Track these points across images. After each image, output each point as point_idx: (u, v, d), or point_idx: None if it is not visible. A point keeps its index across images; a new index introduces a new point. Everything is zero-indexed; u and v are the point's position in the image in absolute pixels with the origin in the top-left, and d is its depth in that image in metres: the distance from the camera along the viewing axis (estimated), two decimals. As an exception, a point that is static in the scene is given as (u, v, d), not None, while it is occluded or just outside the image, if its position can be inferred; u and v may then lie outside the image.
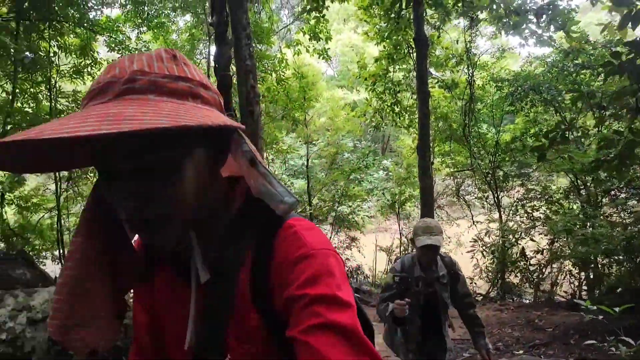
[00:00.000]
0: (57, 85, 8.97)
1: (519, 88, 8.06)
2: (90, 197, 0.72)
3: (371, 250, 11.74)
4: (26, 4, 7.45)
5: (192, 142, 0.63)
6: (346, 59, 30.65)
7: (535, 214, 8.57)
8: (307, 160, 11.41)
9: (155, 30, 11.48)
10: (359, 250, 11.34)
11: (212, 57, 11.37)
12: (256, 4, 11.32)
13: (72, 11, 8.38)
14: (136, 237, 0.78)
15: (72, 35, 9.33)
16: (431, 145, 11.53)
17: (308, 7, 8.31)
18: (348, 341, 0.57)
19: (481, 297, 8.66)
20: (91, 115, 0.51)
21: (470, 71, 9.75)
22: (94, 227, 0.70)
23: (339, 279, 0.65)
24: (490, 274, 8.84)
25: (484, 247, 8.83)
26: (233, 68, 6.99)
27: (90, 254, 0.69)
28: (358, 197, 11.74)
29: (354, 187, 11.74)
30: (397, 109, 12.23)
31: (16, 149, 0.58)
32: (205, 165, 0.66)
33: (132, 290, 0.85)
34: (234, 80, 6.96)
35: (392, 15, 9.70)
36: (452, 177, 11.49)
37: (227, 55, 6.89)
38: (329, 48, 10.71)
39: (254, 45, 8.76)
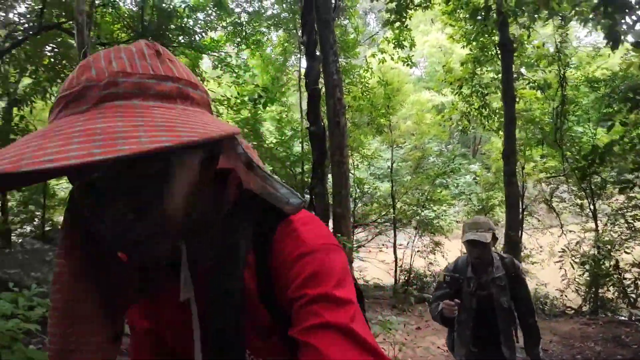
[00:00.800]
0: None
1: (616, 89, 7.59)
2: (66, 214, 0.66)
3: (456, 255, 11.61)
4: (145, 31, 8.75)
5: (184, 150, 0.59)
6: (434, 59, 30.11)
7: (637, 224, 7.96)
8: (392, 164, 11.67)
9: (252, 47, 12.53)
10: (443, 255, 11.31)
11: (302, 70, 12.15)
12: (342, 18, 11.86)
13: (183, 36, 9.61)
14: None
15: (182, 57, 10.62)
16: (521, 149, 11.17)
17: (391, 18, 8.62)
18: (348, 340, 0.57)
19: (572, 312, 8.26)
20: (74, 133, 0.44)
21: (562, 71, 9.31)
22: (75, 247, 0.64)
23: (338, 275, 0.63)
24: (581, 287, 8.39)
25: (573, 258, 8.40)
26: (321, 82, 7.56)
27: (77, 275, 0.63)
28: (444, 202, 11.72)
29: (440, 191, 11.74)
30: (485, 112, 12.01)
31: None
32: (196, 172, 0.62)
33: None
34: (322, 93, 7.53)
35: (478, 18, 9.62)
36: (544, 183, 11.00)
37: (316, 71, 7.52)
38: (413, 55, 10.89)
39: (340, 59, 9.31)
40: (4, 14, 8.19)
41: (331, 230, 5.51)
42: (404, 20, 8.67)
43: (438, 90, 21.47)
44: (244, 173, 0.71)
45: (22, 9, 8.26)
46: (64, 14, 8.15)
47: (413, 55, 10.93)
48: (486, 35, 9.86)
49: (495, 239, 2.76)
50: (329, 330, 0.57)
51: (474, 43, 10.48)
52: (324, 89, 7.45)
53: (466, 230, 2.73)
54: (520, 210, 8.88)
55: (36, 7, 8.01)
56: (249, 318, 0.66)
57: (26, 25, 7.99)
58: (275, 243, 0.67)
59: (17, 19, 8.20)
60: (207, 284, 0.67)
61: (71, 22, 7.46)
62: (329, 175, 8.03)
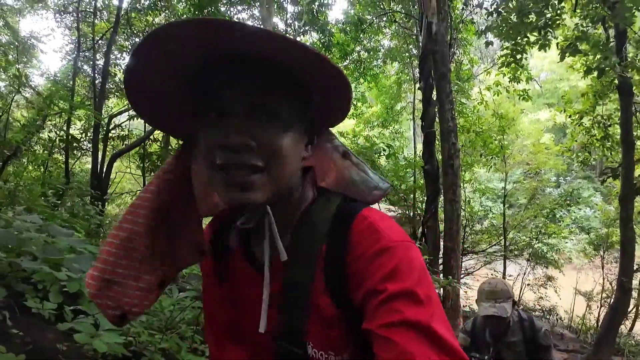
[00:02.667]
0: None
1: None
2: (175, 156, 0.74)
3: (570, 291, 11.34)
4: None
5: (295, 113, 0.67)
6: (554, 76, 28.45)
7: None
8: (505, 197, 11.81)
9: (370, 80, 13.62)
10: (555, 290, 11.12)
11: (416, 100, 12.88)
12: (457, 52, 12.33)
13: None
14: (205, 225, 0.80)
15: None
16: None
17: (507, 60, 8.99)
18: (427, 338, 0.57)
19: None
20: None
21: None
22: (169, 186, 0.72)
23: (418, 272, 0.64)
24: None
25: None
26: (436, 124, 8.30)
27: (155, 213, 0.70)
28: (559, 235, 11.52)
29: (555, 225, 11.57)
30: (608, 144, 11.54)
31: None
32: (299, 142, 0.69)
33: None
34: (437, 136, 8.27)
35: (600, 48, 9.43)
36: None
37: (432, 114, 8.36)
38: (529, 89, 10.99)
39: (455, 98, 9.92)
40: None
41: (440, 264, 6.54)
42: (519, 62, 8.98)
43: (559, 109, 20.50)
44: (340, 161, 0.79)
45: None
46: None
47: (529, 90, 11.02)
48: (608, 67, 9.64)
49: (514, 304, 2.57)
50: (410, 328, 0.57)
51: (594, 75, 10.25)
52: (438, 133, 8.18)
53: (482, 299, 2.52)
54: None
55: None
56: (312, 309, 0.68)
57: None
58: (353, 236, 0.68)
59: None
60: (280, 271, 0.71)
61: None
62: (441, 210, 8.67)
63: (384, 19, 12.56)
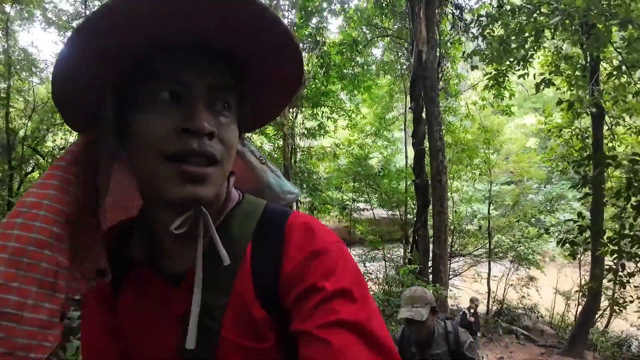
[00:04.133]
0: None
1: None
2: (82, 146, 0.64)
3: (551, 290, 12.26)
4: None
5: (238, 104, 0.64)
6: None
7: None
8: (489, 203, 12.69)
9: (363, 92, 14.40)
10: (537, 290, 12.02)
11: (407, 111, 13.68)
12: (446, 65, 13.14)
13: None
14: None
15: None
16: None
17: (490, 83, 9.82)
18: (363, 339, 0.55)
19: None
20: None
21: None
22: (75, 183, 0.60)
23: (354, 272, 0.63)
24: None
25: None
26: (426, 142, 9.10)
27: (60, 216, 0.57)
28: (539, 238, 12.42)
29: (536, 229, 12.48)
30: (585, 154, 12.47)
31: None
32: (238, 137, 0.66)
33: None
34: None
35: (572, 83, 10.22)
36: None
37: (422, 133, 9.19)
38: (513, 105, 11.85)
39: (443, 117, 10.74)
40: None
41: (429, 269, 7.52)
42: (501, 84, 9.81)
43: (542, 122, 21.48)
44: (258, 165, 0.82)
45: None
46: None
47: (513, 105, 11.89)
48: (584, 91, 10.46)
49: (434, 312, 2.64)
50: (347, 328, 0.55)
51: (572, 93, 11.13)
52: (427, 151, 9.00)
53: (402, 305, 2.60)
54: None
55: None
56: (238, 315, 0.63)
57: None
58: (288, 235, 0.65)
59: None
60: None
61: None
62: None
63: (376, 32, 13.37)
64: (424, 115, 9.00)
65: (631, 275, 6.36)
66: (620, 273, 6.49)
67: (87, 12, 11.40)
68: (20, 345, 0.51)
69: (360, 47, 11.51)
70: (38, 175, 10.17)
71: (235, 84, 0.62)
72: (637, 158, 5.57)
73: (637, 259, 5.94)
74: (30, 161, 10.68)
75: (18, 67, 11.92)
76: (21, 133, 10.27)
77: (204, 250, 0.63)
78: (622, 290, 8.02)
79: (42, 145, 10.50)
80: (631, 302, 8.12)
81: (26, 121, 10.55)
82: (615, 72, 8.10)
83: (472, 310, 6.61)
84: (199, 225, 0.62)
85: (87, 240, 0.62)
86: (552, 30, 7.57)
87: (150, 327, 0.68)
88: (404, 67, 14.46)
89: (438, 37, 9.78)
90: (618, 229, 5.98)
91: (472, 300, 7.19)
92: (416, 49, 8.64)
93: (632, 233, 5.65)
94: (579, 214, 6.80)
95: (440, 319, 2.76)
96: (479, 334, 6.85)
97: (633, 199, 5.60)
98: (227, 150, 0.60)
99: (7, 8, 12.02)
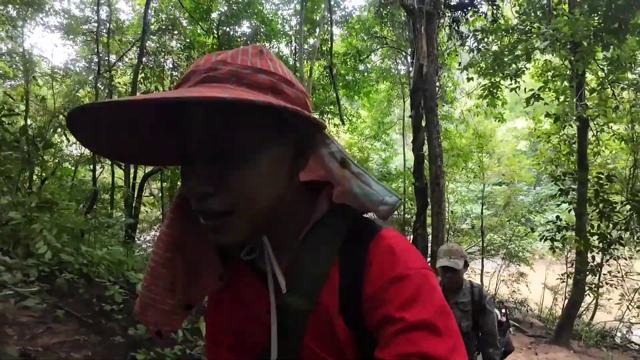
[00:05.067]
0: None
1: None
2: (178, 190, 0.74)
3: (540, 286, 13.08)
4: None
5: (270, 134, 0.61)
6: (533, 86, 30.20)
7: None
8: (482, 204, 13.49)
9: (363, 96, 15.12)
10: (527, 285, 12.82)
11: (406, 117, 14.43)
12: (443, 74, 13.90)
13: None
14: None
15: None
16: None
17: (484, 94, 10.60)
18: None
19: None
20: (164, 93, 0.55)
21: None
22: (174, 220, 0.73)
23: (440, 302, 0.60)
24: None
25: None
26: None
27: (169, 244, 0.72)
28: (529, 237, 13.25)
29: (526, 229, 13.30)
30: (572, 158, 13.30)
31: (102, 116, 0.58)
32: (282, 161, 0.63)
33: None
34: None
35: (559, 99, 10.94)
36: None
37: (422, 140, 9.90)
38: (505, 112, 12.63)
39: (440, 125, 11.45)
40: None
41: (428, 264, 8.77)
42: (495, 95, 10.58)
43: (537, 122, 22.34)
44: (338, 171, 0.70)
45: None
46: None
47: (505, 112, 12.67)
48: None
49: (466, 265, 3.02)
50: None
51: (561, 99, 11.89)
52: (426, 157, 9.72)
53: (440, 256, 2.94)
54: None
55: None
56: (322, 334, 0.64)
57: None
58: (371, 257, 0.65)
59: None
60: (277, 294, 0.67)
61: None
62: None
63: (376, 40, 14.08)
64: (423, 123, 9.70)
65: (600, 265, 8.00)
66: (591, 263, 7.87)
67: (98, 17, 11.69)
68: (158, 322, 0.74)
69: (363, 57, 12.21)
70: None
71: (257, 117, 0.60)
72: (600, 176, 7.01)
73: (604, 252, 7.41)
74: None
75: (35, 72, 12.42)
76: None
77: (286, 262, 0.69)
78: (600, 281, 9.20)
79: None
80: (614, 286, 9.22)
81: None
82: (598, 87, 8.94)
83: (503, 311, 7.21)
84: (264, 252, 0.70)
85: (204, 255, 0.75)
86: (542, 50, 8.34)
87: (246, 321, 0.76)
88: (402, 72, 15.21)
89: (437, 51, 10.49)
90: (588, 229, 7.27)
91: (501, 302, 7.92)
92: (417, 62, 9.33)
93: (599, 232, 6.91)
94: (557, 217, 8.14)
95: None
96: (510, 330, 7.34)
97: (601, 205, 6.81)
98: (238, 197, 0.59)
99: (12, 11, 12.27)
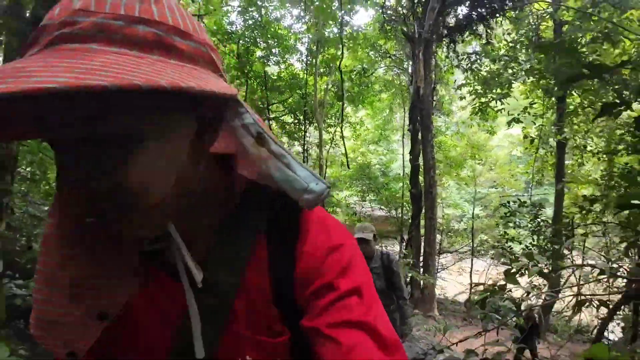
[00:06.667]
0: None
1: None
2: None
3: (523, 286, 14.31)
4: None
5: (162, 111, 0.47)
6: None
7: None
8: (473, 208, 14.75)
9: (367, 105, 16.34)
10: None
11: (406, 126, 15.64)
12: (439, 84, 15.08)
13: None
14: None
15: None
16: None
17: (476, 111, 11.82)
18: (374, 339, 0.55)
19: None
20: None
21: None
22: (63, 209, 0.58)
23: (365, 270, 0.62)
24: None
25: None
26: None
27: (64, 239, 0.57)
28: (517, 239, 14.47)
29: (515, 231, 14.54)
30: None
31: None
32: (181, 141, 0.50)
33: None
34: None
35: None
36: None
37: (418, 151, 11.14)
38: (496, 125, 13.86)
39: (435, 138, 12.68)
40: None
41: (421, 263, 10.35)
42: (485, 110, 11.81)
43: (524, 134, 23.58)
44: (253, 148, 0.56)
45: None
46: None
47: (496, 125, 13.91)
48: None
49: (375, 238, 3.69)
50: (356, 328, 0.55)
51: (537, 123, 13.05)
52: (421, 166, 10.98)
53: (356, 231, 3.56)
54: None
55: None
56: (251, 312, 0.60)
57: None
58: (304, 226, 0.62)
59: None
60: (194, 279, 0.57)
61: None
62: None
63: (379, 54, 15.26)
64: (419, 136, 10.94)
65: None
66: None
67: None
68: (70, 340, 0.57)
69: (368, 74, 13.44)
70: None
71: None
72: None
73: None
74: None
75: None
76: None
77: (204, 249, 0.60)
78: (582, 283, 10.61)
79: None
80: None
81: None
82: (575, 110, 10.17)
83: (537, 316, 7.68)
84: (172, 246, 0.56)
85: (116, 249, 0.58)
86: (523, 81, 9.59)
87: (155, 324, 0.62)
88: (403, 83, 16.40)
89: (434, 76, 11.69)
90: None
91: (529, 310, 8.99)
92: (415, 84, 10.55)
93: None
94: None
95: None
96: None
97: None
98: (134, 187, 0.47)
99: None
